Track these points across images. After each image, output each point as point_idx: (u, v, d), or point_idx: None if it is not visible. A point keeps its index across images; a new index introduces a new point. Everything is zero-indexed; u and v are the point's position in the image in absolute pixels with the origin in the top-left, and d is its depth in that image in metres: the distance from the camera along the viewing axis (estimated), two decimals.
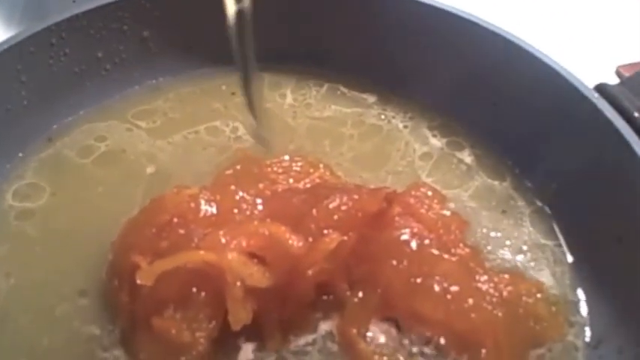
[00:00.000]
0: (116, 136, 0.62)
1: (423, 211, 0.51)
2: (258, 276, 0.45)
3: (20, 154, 0.59)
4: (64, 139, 0.61)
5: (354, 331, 0.48)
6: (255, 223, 0.48)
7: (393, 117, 0.65)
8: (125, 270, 0.48)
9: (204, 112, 0.65)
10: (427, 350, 0.47)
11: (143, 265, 0.46)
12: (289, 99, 0.66)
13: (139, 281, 0.45)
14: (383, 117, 0.65)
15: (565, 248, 0.56)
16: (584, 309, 0.52)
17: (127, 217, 0.53)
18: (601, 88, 0.55)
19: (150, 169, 0.59)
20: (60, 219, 0.55)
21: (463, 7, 0.61)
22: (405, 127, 0.64)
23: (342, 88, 0.67)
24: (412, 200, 0.51)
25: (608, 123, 0.52)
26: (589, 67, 0.68)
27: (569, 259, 0.55)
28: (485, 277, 0.49)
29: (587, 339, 0.51)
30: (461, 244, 0.50)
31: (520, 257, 0.55)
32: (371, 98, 0.67)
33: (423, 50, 0.63)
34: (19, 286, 0.51)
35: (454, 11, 0.61)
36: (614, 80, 0.73)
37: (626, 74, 0.73)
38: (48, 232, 0.54)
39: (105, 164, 0.60)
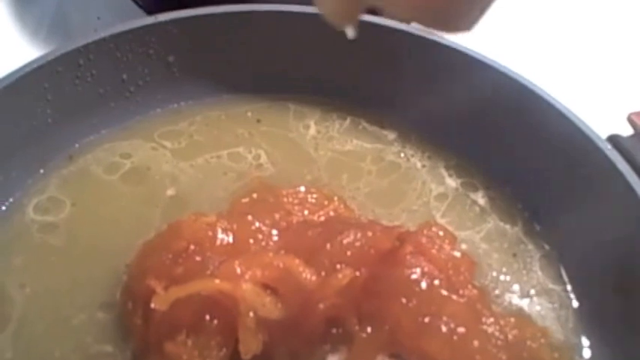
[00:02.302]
0: (141, 154, 0.63)
1: (434, 251, 0.51)
2: (270, 307, 0.46)
3: (41, 171, 0.60)
4: (86, 156, 0.62)
5: None
6: (270, 254, 0.48)
7: (412, 155, 0.66)
8: (140, 293, 0.49)
9: (229, 137, 0.66)
10: None
11: (158, 290, 0.46)
12: (312, 130, 0.67)
13: (153, 306, 0.45)
14: (402, 155, 0.66)
15: (571, 293, 0.57)
16: (587, 355, 0.53)
17: (144, 239, 0.54)
18: (614, 140, 0.56)
19: (170, 192, 0.61)
20: (79, 234, 0.57)
21: (479, 50, 0.63)
22: (423, 166, 0.65)
23: (364, 123, 0.68)
24: (424, 240, 0.52)
25: (620, 175, 0.53)
26: (601, 113, 0.69)
27: (575, 304, 0.56)
28: (491, 320, 0.49)
29: None
30: (469, 286, 0.51)
31: (527, 301, 0.55)
32: (391, 135, 0.68)
33: (442, 91, 0.64)
34: (35, 295, 0.52)
35: (472, 54, 0.62)
36: (625, 126, 0.74)
37: (639, 122, 0.74)
38: (66, 247, 0.56)
39: (130, 181, 0.61)
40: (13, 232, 0.56)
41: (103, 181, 0.61)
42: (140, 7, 0.83)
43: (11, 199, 0.58)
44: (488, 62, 0.62)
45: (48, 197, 0.59)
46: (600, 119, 0.63)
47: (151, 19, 0.63)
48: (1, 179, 0.57)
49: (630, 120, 0.75)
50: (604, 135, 0.58)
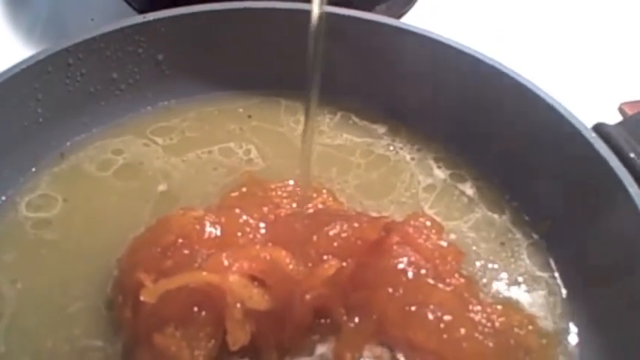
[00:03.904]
0: (133, 150, 0.64)
1: (420, 241, 0.51)
2: (257, 298, 0.47)
3: (33, 169, 0.61)
4: (78, 154, 0.63)
5: (349, 355, 0.49)
6: (257, 246, 0.49)
7: (401, 148, 0.66)
8: (130, 287, 0.49)
9: (220, 133, 0.67)
10: None
11: (147, 283, 0.47)
12: (303, 125, 0.67)
13: (142, 298, 0.46)
14: (391, 148, 0.66)
15: (559, 281, 0.57)
16: (575, 342, 0.53)
17: (134, 234, 0.55)
18: (599, 128, 0.57)
19: (162, 187, 0.61)
20: (71, 230, 0.57)
21: (468, 44, 0.63)
22: (412, 159, 0.65)
23: (354, 118, 0.69)
24: (411, 230, 0.52)
25: (604, 162, 0.54)
26: (592, 103, 0.69)
27: (563, 292, 0.56)
28: (478, 308, 0.50)
29: None
30: (456, 275, 0.51)
31: (515, 289, 0.56)
32: (381, 129, 0.68)
33: (431, 84, 0.65)
34: (26, 290, 0.53)
35: (460, 48, 0.62)
36: (616, 117, 0.74)
37: (629, 111, 0.74)
38: (57, 242, 0.56)
39: (122, 177, 0.62)
40: (5, 228, 0.57)
41: (95, 178, 0.61)
42: (134, 8, 0.84)
43: (3, 197, 0.59)
44: (476, 55, 0.62)
45: (40, 194, 0.60)
46: (593, 110, 0.64)
47: (139, 18, 0.63)
48: None
49: (621, 110, 0.76)
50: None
